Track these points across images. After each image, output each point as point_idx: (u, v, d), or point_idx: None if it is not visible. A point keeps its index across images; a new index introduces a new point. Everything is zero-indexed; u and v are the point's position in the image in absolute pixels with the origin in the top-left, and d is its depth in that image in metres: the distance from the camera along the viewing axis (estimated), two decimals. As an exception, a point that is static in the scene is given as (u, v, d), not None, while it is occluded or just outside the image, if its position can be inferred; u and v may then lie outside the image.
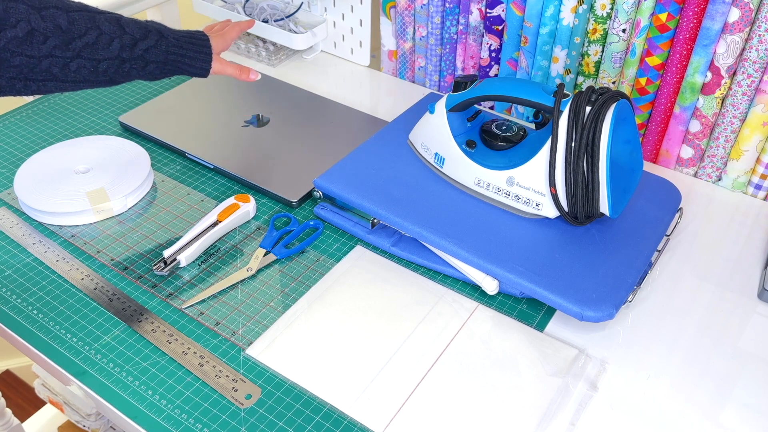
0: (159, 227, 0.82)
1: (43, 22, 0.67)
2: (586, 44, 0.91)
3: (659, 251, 0.78)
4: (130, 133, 0.97)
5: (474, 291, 0.75)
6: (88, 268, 0.77)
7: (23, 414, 1.57)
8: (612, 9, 0.86)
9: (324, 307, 0.72)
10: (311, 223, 0.83)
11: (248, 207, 0.83)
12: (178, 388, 0.65)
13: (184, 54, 0.77)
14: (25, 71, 0.67)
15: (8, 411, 1.24)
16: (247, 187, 0.88)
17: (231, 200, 0.83)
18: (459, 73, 1.07)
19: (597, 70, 0.92)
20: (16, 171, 0.89)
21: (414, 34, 1.08)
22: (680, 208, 0.84)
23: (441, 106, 0.83)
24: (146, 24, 0.74)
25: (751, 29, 0.79)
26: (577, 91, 0.78)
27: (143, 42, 0.73)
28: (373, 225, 0.81)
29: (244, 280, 0.76)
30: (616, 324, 0.72)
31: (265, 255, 0.78)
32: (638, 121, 0.93)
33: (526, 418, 0.62)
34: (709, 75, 0.84)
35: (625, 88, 0.91)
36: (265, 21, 1.15)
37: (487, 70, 1.04)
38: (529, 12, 0.93)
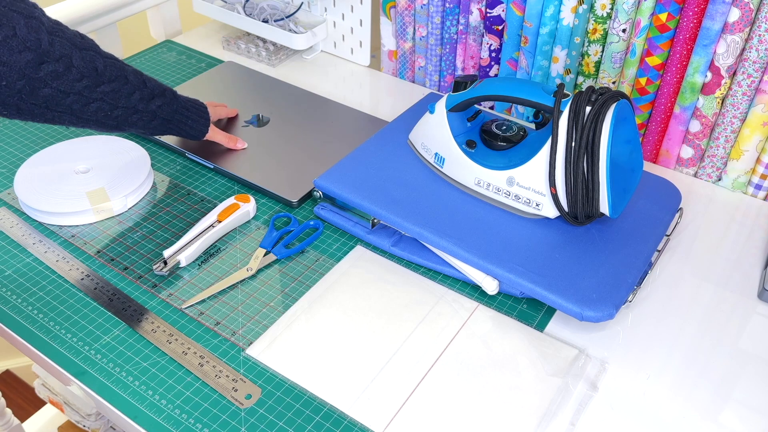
0: (159, 227, 0.82)
1: (82, 62, 0.70)
2: (586, 44, 0.91)
3: (659, 251, 0.78)
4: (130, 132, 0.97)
5: (474, 291, 0.75)
6: (88, 268, 0.77)
7: (23, 414, 1.57)
8: (612, 9, 0.86)
9: (324, 307, 0.72)
10: (311, 223, 0.83)
11: (248, 207, 0.83)
12: (178, 388, 0.65)
13: (188, 116, 0.85)
14: (49, 102, 0.69)
15: (8, 411, 1.24)
16: (247, 187, 0.88)
17: (231, 200, 0.83)
18: (459, 73, 1.07)
19: (597, 70, 0.92)
20: (16, 171, 0.89)
21: (414, 34, 1.08)
22: (680, 208, 0.84)
23: (441, 106, 0.83)
24: (161, 84, 0.80)
25: (751, 29, 0.79)
26: (577, 91, 0.79)
27: (159, 99, 0.79)
28: (373, 225, 0.81)
29: (244, 280, 0.76)
30: (616, 324, 0.72)
31: (265, 255, 0.78)
32: (638, 121, 0.93)
33: (526, 418, 0.62)
34: (709, 75, 0.84)
35: (625, 88, 0.91)
36: (265, 21, 1.15)
37: (487, 70, 1.04)
38: (529, 12, 0.93)
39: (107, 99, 0.73)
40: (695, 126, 0.89)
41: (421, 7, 1.03)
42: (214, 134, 0.90)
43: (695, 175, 0.93)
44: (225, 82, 1.07)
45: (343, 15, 1.13)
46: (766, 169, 0.86)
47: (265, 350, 0.68)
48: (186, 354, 0.67)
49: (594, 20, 0.88)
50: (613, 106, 0.70)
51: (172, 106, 0.81)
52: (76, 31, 0.72)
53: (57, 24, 0.69)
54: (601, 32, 0.89)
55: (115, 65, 0.74)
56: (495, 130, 0.83)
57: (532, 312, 0.73)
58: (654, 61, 0.87)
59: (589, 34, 0.90)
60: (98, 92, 0.72)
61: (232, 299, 0.74)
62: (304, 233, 0.82)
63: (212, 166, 0.90)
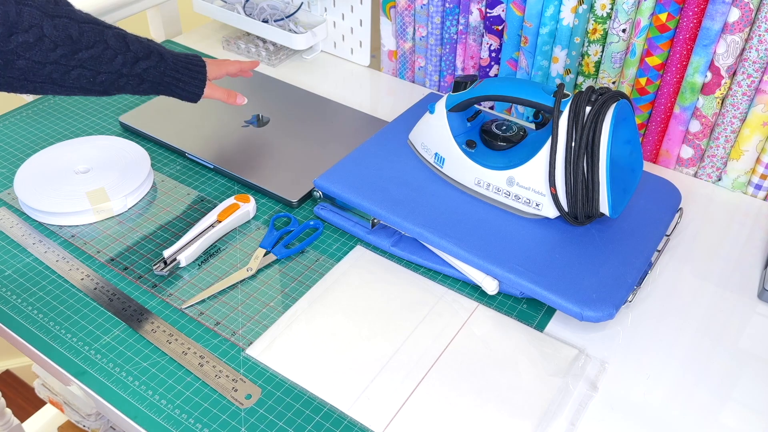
0: (159, 227, 0.82)
1: (54, 30, 0.67)
2: (586, 44, 0.91)
3: (659, 251, 0.78)
4: (130, 133, 0.97)
5: (474, 291, 0.75)
6: (88, 268, 0.77)
7: (23, 414, 1.57)
8: (612, 9, 0.86)
9: (324, 307, 0.72)
10: (311, 223, 0.83)
11: (248, 207, 0.83)
12: (178, 388, 0.65)
13: (179, 78, 0.80)
14: (27, 74, 0.68)
15: (8, 411, 1.24)
16: (247, 187, 0.88)
17: (231, 200, 0.83)
18: (459, 73, 1.07)
19: (597, 70, 0.92)
20: (16, 171, 0.89)
21: (414, 34, 1.08)
22: (680, 208, 0.84)
23: (441, 106, 0.83)
24: (148, 44, 0.76)
25: (751, 29, 0.79)
26: (577, 91, 0.79)
27: (144, 61, 0.75)
28: (373, 225, 0.81)
29: (244, 280, 0.76)
30: (616, 324, 0.72)
31: (265, 255, 0.78)
32: (638, 121, 0.93)
33: (526, 418, 0.62)
34: (709, 75, 0.84)
35: (625, 88, 0.91)
36: (265, 21, 1.15)
37: (487, 70, 1.04)
38: (529, 12, 0.93)
39: (87, 66, 0.71)
40: (695, 126, 0.89)
41: (421, 7, 1.03)
42: (212, 92, 0.85)
43: (695, 175, 0.93)
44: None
45: (343, 15, 1.13)
46: (766, 169, 0.86)
47: (265, 350, 0.68)
48: (186, 354, 0.67)
49: (594, 20, 0.88)
50: (613, 106, 0.70)
51: (160, 69, 0.77)
52: None
53: None
54: (601, 32, 0.89)
55: (93, 30, 0.71)
56: (495, 130, 0.83)
57: (532, 312, 0.73)
58: (654, 61, 0.87)
59: (589, 34, 0.90)
60: (76, 59, 0.69)
61: (232, 299, 0.74)
62: (304, 233, 0.82)
63: (212, 166, 0.90)
